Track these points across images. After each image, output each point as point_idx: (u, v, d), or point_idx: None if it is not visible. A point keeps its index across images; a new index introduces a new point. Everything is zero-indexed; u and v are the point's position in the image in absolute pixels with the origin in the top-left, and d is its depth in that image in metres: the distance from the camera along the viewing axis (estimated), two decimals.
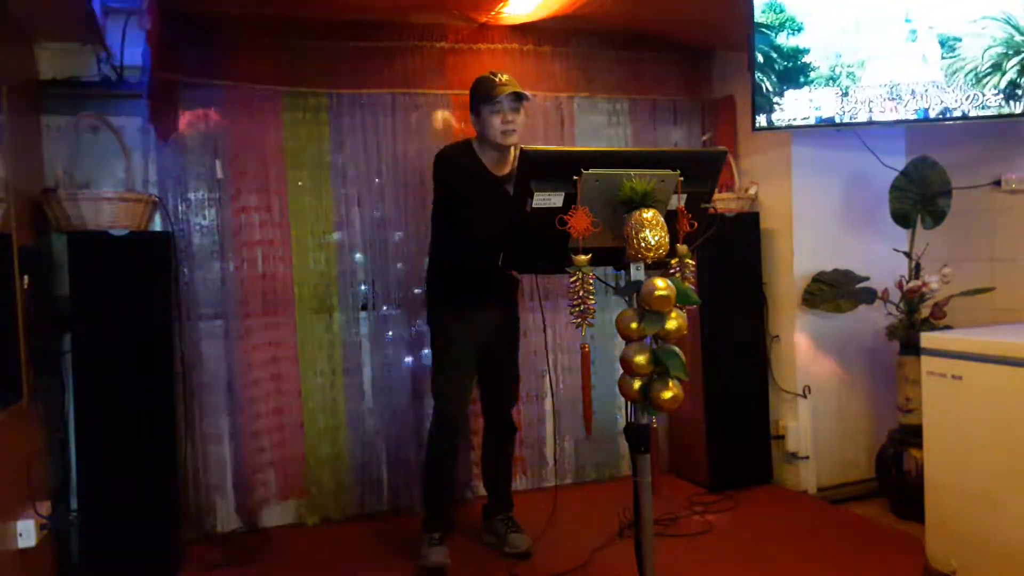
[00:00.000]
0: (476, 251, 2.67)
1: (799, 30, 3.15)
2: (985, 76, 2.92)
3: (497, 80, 2.68)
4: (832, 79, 3.13)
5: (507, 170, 2.77)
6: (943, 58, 2.98)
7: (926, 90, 3.00)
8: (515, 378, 3.04)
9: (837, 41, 3.12)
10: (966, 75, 2.95)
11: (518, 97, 2.68)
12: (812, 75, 3.14)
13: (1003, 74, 2.87)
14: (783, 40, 3.16)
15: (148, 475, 2.71)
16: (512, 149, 2.74)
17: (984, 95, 2.91)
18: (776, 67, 3.15)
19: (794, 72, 3.16)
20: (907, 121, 3.06)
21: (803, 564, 2.77)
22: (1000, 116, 2.90)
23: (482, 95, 2.69)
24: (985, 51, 2.91)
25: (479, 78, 2.75)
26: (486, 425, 3.04)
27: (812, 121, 3.14)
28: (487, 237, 2.64)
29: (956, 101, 2.96)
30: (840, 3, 3.12)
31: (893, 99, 3.05)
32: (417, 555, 2.81)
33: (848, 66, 3.11)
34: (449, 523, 2.90)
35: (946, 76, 2.98)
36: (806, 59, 3.15)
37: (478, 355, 2.86)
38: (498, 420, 3.00)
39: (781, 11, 3.16)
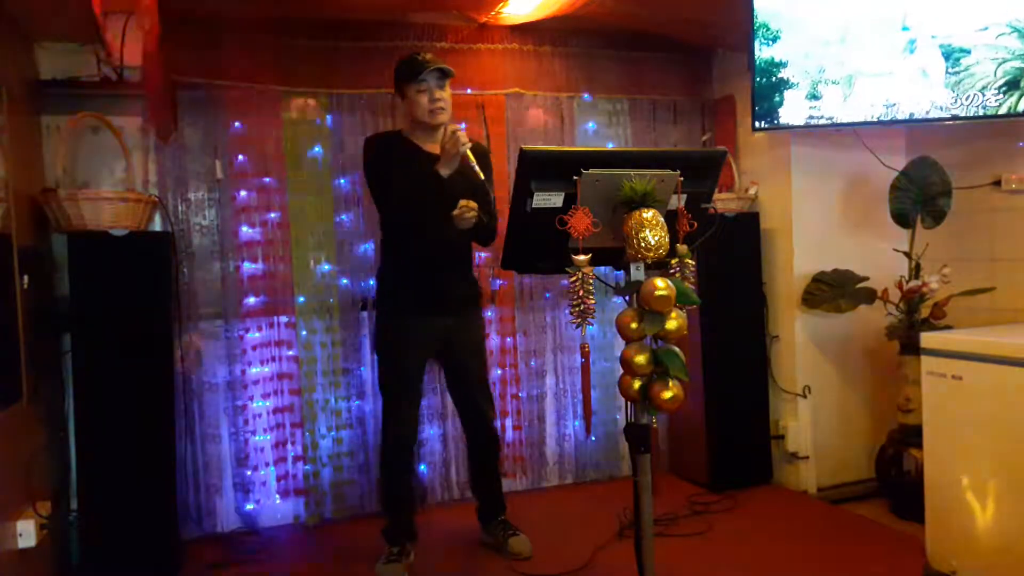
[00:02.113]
0: (405, 221, 2.62)
1: (775, 39, 2.71)
2: (999, 95, 2.59)
3: (421, 58, 2.60)
4: (813, 97, 2.72)
5: (439, 148, 2.54)
6: (948, 73, 2.60)
7: (927, 112, 2.61)
8: (482, 385, 2.88)
9: (820, 52, 2.67)
10: (976, 93, 2.64)
11: (444, 74, 2.60)
12: (789, 94, 2.74)
13: (1021, 93, 2.52)
14: (755, 51, 2.73)
15: (148, 475, 2.71)
16: (442, 128, 2.59)
17: (984, 96, 2.78)
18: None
19: (768, 90, 2.71)
20: (907, 121, 3.01)
21: (803, 564, 2.77)
22: (1001, 116, 2.84)
23: (406, 75, 2.61)
24: (999, 66, 2.56)
25: (402, 59, 2.67)
26: (466, 435, 2.95)
27: (812, 121, 3.05)
28: (416, 207, 2.51)
29: (956, 103, 2.82)
30: (826, 5, 2.71)
31: (887, 122, 2.70)
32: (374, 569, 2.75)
33: (834, 83, 2.72)
34: (411, 534, 2.85)
35: (952, 94, 2.59)
36: (783, 74, 2.72)
37: (426, 366, 2.80)
38: (476, 430, 2.89)
39: (752, 16, 2.78)
